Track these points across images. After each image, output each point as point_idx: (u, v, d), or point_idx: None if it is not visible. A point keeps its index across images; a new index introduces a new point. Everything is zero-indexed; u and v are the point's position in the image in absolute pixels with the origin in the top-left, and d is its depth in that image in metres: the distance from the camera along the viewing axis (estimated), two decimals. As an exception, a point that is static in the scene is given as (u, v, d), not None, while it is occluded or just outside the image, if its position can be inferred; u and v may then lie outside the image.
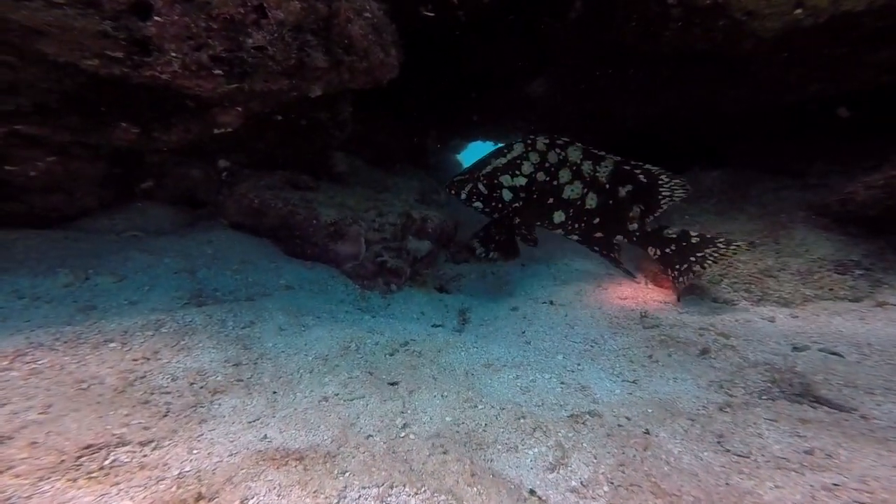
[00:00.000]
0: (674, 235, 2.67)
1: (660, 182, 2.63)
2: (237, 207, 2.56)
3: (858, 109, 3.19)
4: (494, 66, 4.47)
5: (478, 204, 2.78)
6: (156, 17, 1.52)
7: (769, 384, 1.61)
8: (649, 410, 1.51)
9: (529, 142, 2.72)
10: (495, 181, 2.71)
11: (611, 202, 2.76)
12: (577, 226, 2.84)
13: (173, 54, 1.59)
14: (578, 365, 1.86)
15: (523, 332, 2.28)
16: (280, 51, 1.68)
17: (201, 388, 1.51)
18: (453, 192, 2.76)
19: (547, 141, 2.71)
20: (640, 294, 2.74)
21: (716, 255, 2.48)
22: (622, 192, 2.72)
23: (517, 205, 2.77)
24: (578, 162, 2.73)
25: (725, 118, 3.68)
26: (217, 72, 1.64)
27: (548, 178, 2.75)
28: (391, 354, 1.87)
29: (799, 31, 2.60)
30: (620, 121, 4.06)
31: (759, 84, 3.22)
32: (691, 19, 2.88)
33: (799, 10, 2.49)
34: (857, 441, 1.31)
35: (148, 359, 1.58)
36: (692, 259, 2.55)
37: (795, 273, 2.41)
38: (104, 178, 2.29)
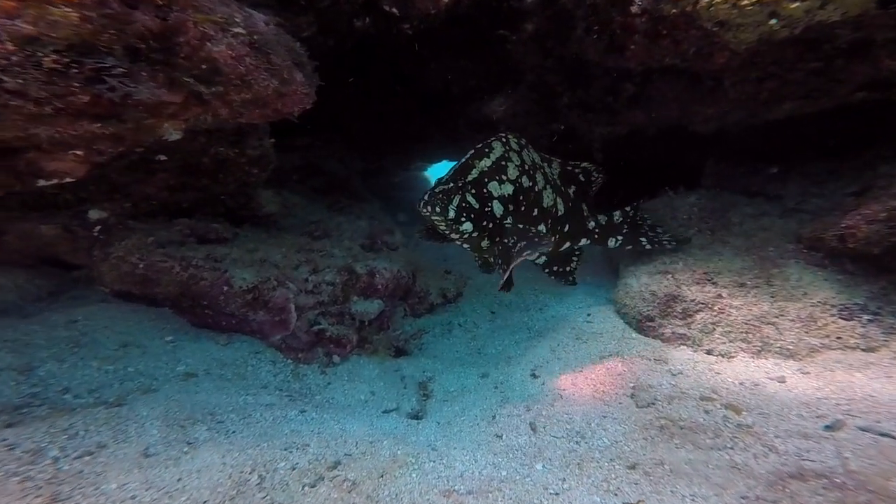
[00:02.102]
0: (620, 218, 2.70)
1: (579, 172, 2.57)
2: (116, 274, 1.96)
3: (832, 128, 3.05)
4: (451, 83, 4.11)
5: (467, 225, 1.82)
6: None
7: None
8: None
9: (504, 139, 2.08)
10: (484, 190, 1.89)
11: (570, 205, 2.46)
12: (553, 238, 2.32)
13: None
14: (563, 481, 1.41)
15: (494, 418, 1.82)
16: (33, 84, 1.09)
17: None
18: (437, 211, 1.76)
19: (516, 139, 2.16)
20: (623, 346, 2.36)
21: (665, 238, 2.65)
22: (571, 192, 2.50)
23: (508, 221, 1.96)
24: (542, 164, 2.31)
25: (696, 138, 3.46)
26: None
27: (531, 184, 2.11)
28: (312, 486, 1.35)
29: (773, 43, 2.37)
30: (587, 142, 3.77)
31: (731, 101, 3.00)
32: (658, 30, 2.61)
33: (774, 21, 2.25)
34: None
35: None
36: (652, 235, 2.68)
37: (796, 319, 2.10)
38: None
